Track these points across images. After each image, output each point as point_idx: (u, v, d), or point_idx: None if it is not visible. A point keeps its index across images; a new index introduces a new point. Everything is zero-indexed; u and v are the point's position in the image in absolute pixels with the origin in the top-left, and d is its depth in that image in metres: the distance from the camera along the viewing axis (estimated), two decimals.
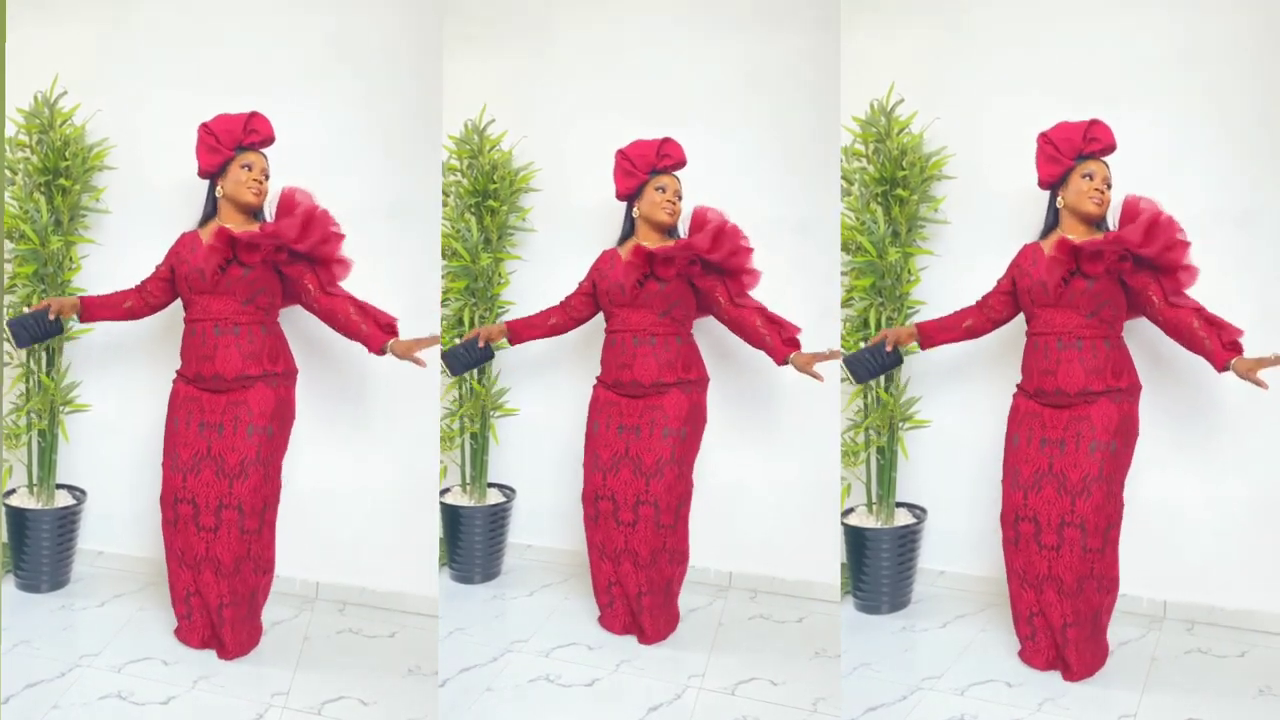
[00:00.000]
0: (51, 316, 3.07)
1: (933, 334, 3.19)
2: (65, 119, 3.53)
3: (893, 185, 3.42)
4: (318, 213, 3.04)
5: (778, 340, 3.14)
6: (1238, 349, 2.83)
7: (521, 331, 3.39)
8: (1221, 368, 2.83)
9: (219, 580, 2.99)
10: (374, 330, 3.02)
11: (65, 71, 3.56)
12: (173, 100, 3.43)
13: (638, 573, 3.17)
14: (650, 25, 3.68)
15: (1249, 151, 3.22)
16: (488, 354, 3.43)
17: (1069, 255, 2.90)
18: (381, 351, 3.01)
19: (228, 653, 3.02)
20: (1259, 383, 2.77)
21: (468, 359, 3.40)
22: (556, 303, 3.39)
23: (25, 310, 3.04)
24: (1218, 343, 2.84)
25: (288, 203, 3.06)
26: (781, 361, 3.12)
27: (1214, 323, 2.86)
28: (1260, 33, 3.20)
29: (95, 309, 3.14)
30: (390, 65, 3.44)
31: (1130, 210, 2.92)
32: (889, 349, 3.18)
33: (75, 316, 3.13)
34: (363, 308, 3.06)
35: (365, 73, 3.45)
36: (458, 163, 3.73)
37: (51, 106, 3.52)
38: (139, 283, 3.16)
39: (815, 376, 3.09)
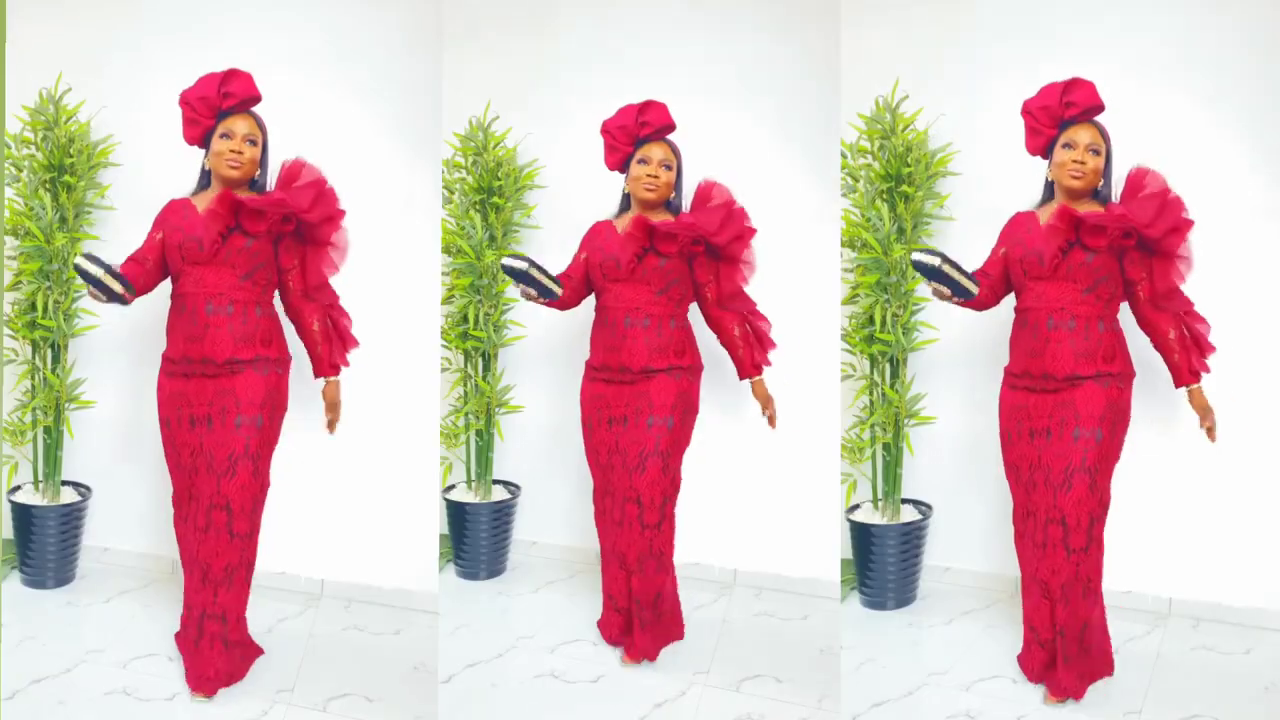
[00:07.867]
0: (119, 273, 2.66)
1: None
2: (70, 116, 3.53)
3: (898, 182, 3.41)
4: (326, 187, 2.82)
5: (749, 359, 3.08)
6: (1198, 377, 2.81)
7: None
8: (1178, 386, 2.83)
9: (205, 587, 2.74)
10: (322, 361, 2.92)
11: (69, 68, 3.56)
12: (176, 96, 3.42)
13: (627, 578, 3.00)
14: (654, 22, 3.68)
15: (1254, 149, 3.21)
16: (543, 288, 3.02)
17: (1070, 226, 2.70)
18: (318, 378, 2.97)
19: (204, 682, 2.73)
20: (1206, 425, 2.83)
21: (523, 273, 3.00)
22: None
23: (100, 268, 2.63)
24: (1185, 365, 2.79)
25: (292, 174, 2.82)
26: (742, 378, 3.12)
27: (1188, 342, 2.79)
28: (1265, 30, 3.19)
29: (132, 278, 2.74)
30: (391, 62, 3.44)
31: (1135, 183, 2.76)
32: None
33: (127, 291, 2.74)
34: (329, 330, 2.92)
35: (366, 69, 3.46)
36: (462, 160, 3.73)
37: (56, 103, 3.52)
38: (131, 257, 2.82)
39: (765, 409, 3.13)
